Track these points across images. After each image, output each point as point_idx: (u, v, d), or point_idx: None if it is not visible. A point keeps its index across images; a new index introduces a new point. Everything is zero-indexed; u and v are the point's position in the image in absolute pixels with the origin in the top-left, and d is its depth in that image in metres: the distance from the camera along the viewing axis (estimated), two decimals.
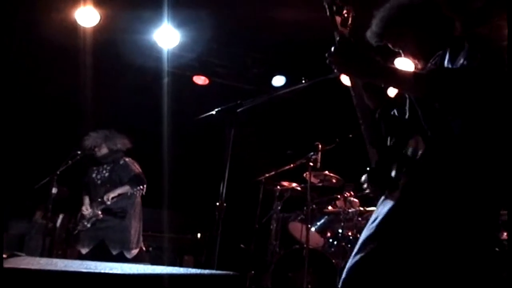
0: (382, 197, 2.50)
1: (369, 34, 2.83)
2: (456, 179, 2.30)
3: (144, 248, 6.81)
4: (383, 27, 2.78)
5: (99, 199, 6.49)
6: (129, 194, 6.54)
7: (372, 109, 2.74)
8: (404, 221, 2.34)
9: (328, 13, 2.62)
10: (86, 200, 6.64)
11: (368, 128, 2.60)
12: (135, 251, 6.43)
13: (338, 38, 2.51)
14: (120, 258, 6.15)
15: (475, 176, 2.29)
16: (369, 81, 2.68)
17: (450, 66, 2.44)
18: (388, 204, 2.42)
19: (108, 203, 6.42)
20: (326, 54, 2.48)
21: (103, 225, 6.43)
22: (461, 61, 2.36)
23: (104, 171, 6.71)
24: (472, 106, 2.32)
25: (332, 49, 2.47)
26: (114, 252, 6.28)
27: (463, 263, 2.28)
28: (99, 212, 6.41)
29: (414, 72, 2.48)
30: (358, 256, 2.39)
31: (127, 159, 6.77)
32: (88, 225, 6.40)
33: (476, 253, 2.28)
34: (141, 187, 6.55)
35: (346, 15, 2.58)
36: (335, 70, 2.49)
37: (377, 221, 2.42)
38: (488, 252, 2.35)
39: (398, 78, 2.42)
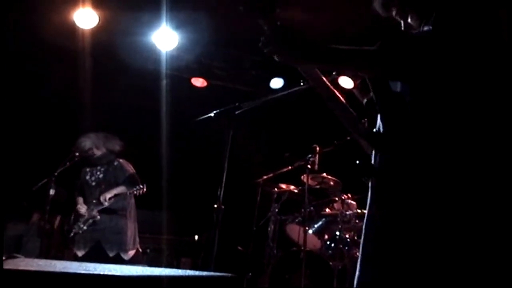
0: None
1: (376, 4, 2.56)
2: (414, 167, 2.17)
3: (140, 250, 6.80)
4: None
5: (94, 200, 6.49)
6: (125, 195, 6.52)
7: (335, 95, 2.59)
8: (380, 222, 2.26)
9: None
10: (80, 200, 6.63)
11: (343, 115, 2.50)
12: (131, 253, 6.44)
13: (267, 26, 2.28)
14: (117, 260, 6.14)
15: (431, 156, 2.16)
16: (315, 65, 2.51)
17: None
18: (369, 202, 2.35)
19: (106, 204, 6.41)
20: (260, 45, 2.29)
21: (99, 227, 6.42)
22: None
23: (98, 172, 6.70)
24: (417, 76, 2.19)
25: (264, 38, 2.27)
26: (111, 254, 6.27)
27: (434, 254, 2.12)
28: (96, 214, 6.40)
29: (361, 49, 2.25)
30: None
31: (121, 160, 6.77)
32: (84, 227, 6.39)
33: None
34: (138, 187, 6.52)
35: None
36: (276, 59, 2.30)
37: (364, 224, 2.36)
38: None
39: (347, 56, 2.27)
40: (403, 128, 2.22)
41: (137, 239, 6.66)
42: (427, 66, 2.16)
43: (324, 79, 2.55)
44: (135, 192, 6.49)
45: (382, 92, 2.31)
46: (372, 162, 2.35)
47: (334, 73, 4.04)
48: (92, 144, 6.71)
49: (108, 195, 6.45)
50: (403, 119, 2.22)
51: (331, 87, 2.58)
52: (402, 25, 2.48)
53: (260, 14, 2.27)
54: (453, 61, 2.16)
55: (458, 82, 2.17)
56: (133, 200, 6.73)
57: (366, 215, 2.36)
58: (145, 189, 6.56)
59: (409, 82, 2.23)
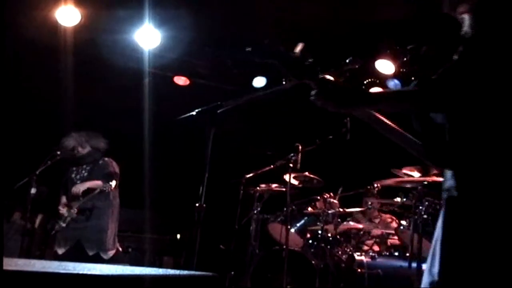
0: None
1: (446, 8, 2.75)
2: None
3: (120, 249, 6.77)
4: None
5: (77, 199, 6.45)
6: (99, 190, 6.43)
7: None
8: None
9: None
10: (63, 199, 6.60)
11: (402, 142, 2.76)
12: (111, 252, 6.40)
13: (313, 84, 2.51)
14: (97, 259, 6.11)
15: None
16: (367, 109, 2.75)
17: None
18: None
19: (80, 198, 6.36)
20: (311, 98, 2.51)
21: (80, 225, 6.37)
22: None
23: (84, 171, 6.67)
24: (453, 107, 2.37)
25: (314, 94, 2.49)
26: (91, 253, 6.24)
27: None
28: (74, 210, 6.36)
29: (401, 90, 2.59)
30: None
31: (106, 159, 6.73)
32: (64, 225, 6.35)
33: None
34: (111, 183, 6.42)
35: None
36: (329, 110, 2.51)
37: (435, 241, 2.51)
38: None
39: (392, 98, 2.51)
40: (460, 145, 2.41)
41: (116, 239, 6.63)
42: (462, 97, 2.34)
43: (377, 115, 2.78)
44: (103, 189, 6.41)
45: (424, 123, 2.54)
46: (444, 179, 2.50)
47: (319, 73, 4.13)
48: (76, 143, 6.68)
49: (81, 187, 6.40)
50: (444, 143, 2.43)
51: (386, 120, 2.80)
52: (465, 26, 2.58)
53: (305, 77, 2.53)
54: (487, 87, 2.31)
55: (492, 105, 2.33)
56: (117, 201, 6.69)
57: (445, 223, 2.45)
58: (112, 188, 6.46)
59: (448, 113, 2.43)
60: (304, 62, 2.52)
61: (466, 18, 2.55)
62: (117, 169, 6.72)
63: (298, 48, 2.56)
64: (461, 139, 2.38)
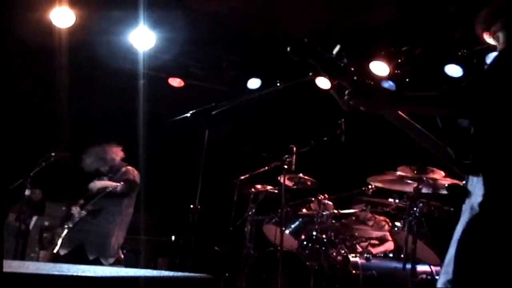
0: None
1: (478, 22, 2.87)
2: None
3: (122, 256, 6.76)
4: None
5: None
6: (109, 190, 6.41)
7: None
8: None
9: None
10: (80, 201, 6.59)
11: (433, 146, 2.82)
12: (111, 260, 6.38)
13: (347, 83, 2.59)
14: (96, 264, 6.08)
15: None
16: (396, 111, 2.83)
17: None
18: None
19: (94, 191, 6.39)
20: (346, 98, 2.59)
21: (85, 227, 6.36)
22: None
23: (105, 178, 6.69)
24: (481, 115, 2.48)
25: (348, 93, 2.58)
26: (91, 257, 6.22)
27: None
28: (84, 212, 6.35)
29: (430, 95, 2.59)
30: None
31: (128, 167, 6.78)
32: (71, 225, 6.33)
33: None
34: (120, 185, 6.42)
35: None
36: (362, 109, 2.59)
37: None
38: None
39: (425, 102, 2.57)
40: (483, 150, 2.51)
41: (120, 248, 6.62)
42: (492, 105, 2.44)
43: (408, 119, 2.86)
44: (112, 188, 6.41)
45: (450, 127, 2.64)
46: (467, 184, 2.61)
47: (310, 73, 4.17)
48: (96, 159, 6.72)
49: (99, 184, 6.44)
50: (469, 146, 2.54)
51: (412, 122, 2.88)
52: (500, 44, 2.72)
53: (339, 77, 2.61)
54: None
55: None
56: (130, 210, 6.72)
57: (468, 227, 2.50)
58: (118, 188, 6.47)
59: (473, 119, 2.53)
60: (339, 63, 2.60)
61: (500, 35, 2.67)
62: (137, 178, 6.75)
63: (335, 49, 2.65)
64: (489, 145, 2.47)
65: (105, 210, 6.47)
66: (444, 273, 2.49)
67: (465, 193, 2.58)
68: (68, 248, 6.29)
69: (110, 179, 6.63)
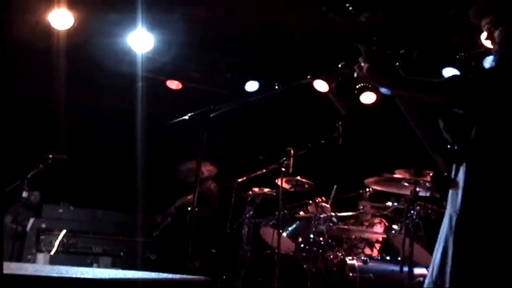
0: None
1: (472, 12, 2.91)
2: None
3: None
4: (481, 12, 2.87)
5: None
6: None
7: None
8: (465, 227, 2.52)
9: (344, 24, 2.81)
10: None
11: (418, 126, 2.87)
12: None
13: (365, 49, 2.73)
14: None
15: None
16: (396, 92, 2.90)
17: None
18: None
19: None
20: (357, 65, 2.71)
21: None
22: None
23: None
24: (481, 109, 2.54)
25: (363, 59, 2.70)
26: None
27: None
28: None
29: (434, 81, 2.68)
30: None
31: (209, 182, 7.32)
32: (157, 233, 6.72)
33: None
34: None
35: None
36: (369, 79, 2.73)
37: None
38: None
39: (424, 88, 2.69)
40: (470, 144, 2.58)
41: None
42: (486, 99, 2.53)
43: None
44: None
45: (448, 118, 2.71)
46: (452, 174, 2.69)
47: (308, 76, 4.19)
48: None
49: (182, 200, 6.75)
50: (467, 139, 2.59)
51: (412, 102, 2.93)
52: (497, 38, 2.77)
53: (360, 41, 2.76)
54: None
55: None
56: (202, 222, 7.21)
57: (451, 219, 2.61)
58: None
59: (471, 110, 2.60)
60: (363, 29, 2.75)
61: (497, 31, 2.72)
62: (214, 191, 7.32)
63: (364, 16, 2.79)
64: (478, 136, 2.53)
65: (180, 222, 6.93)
66: (429, 273, 2.58)
67: (449, 182, 2.66)
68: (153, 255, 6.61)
69: None
